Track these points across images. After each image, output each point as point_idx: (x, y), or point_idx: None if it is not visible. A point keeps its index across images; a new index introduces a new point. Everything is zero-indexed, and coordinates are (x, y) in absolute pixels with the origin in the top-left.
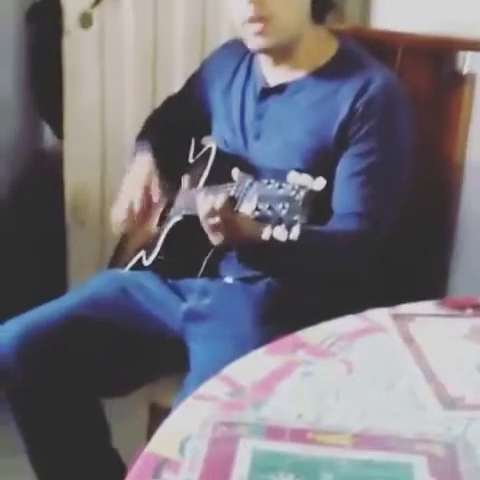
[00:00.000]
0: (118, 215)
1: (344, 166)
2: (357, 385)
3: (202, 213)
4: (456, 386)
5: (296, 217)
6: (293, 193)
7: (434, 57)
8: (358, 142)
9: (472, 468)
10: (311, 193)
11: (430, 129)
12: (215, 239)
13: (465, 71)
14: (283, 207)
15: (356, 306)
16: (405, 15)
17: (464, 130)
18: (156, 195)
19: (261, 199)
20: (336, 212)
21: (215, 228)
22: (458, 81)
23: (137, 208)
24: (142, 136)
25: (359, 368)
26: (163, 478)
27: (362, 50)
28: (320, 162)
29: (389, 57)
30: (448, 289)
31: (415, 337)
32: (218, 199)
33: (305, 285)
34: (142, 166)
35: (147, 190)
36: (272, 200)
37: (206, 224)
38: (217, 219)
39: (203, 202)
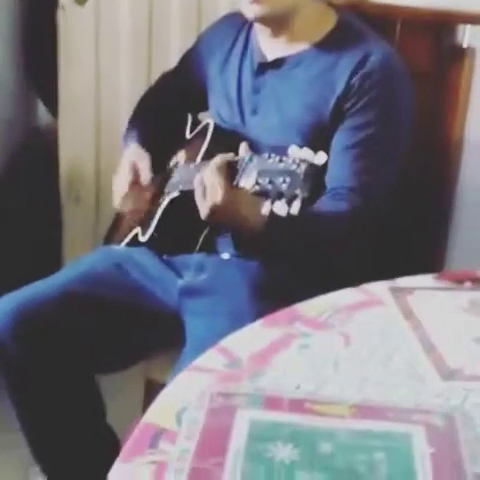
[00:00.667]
0: (116, 194)
1: (339, 139)
2: (355, 357)
3: (198, 176)
4: (455, 357)
5: (297, 191)
6: (294, 167)
7: (433, 31)
8: (354, 115)
9: (470, 438)
10: (312, 167)
11: (429, 103)
12: (204, 208)
13: (465, 45)
14: (284, 181)
15: (353, 279)
16: None
17: (464, 104)
18: (146, 176)
19: (261, 173)
20: (329, 186)
21: (207, 193)
22: (458, 55)
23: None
24: (134, 119)
25: (357, 340)
26: (160, 448)
27: (361, 23)
28: (318, 137)
29: (388, 31)
30: (446, 263)
31: (414, 310)
32: (216, 158)
33: (302, 263)
34: (129, 155)
35: (135, 171)
36: (273, 174)
37: (200, 188)
38: (214, 180)
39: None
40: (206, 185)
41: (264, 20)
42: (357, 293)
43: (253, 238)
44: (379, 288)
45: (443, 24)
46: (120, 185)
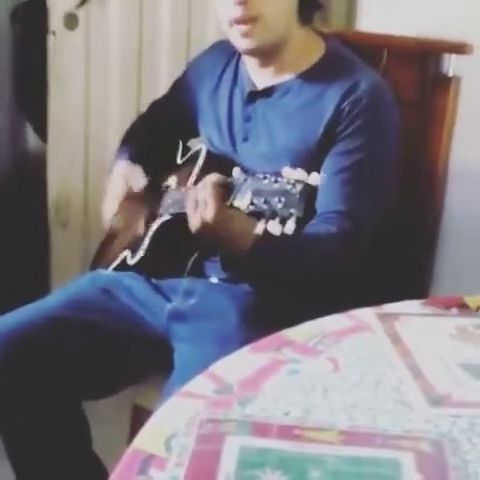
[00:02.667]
0: (108, 209)
1: (328, 164)
2: (344, 383)
3: (193, 191)
4: (442, 384)
5: (292, 210)
6: (289, 187)
7: (419, 59)
8: (343, 140)
9: (459, 464)
10: (307, 187)
11: (415, 131)
12: (194, 221)
13: (450, 74)
14: (279, 201)
15: (341, 305)
16: (390, 17)
17: (449, 132)
18: (139, 181)
19: (256, 193)
20: (319, 210)
21: (199, 207)
22: (443, 84)
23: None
24: (125, 142)
25: (345, 366)
26: (149, 475)
27: (349, 52)
28: (308, 164)
29: (374, 59)
30: (432, 289)
31: (401, 336)
32: (212, 175)
33: (288, 288)
34: (120, 169)
35: (128, 182)
36: (268, 194)
37: (193, 201)
38: (206, 195)
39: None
40: (198, 199)
41: (254, 52)
42: (345, 319)
43: (241, 259)
44: (366, 314)
45: (429, 53)
46: (112, 198)
